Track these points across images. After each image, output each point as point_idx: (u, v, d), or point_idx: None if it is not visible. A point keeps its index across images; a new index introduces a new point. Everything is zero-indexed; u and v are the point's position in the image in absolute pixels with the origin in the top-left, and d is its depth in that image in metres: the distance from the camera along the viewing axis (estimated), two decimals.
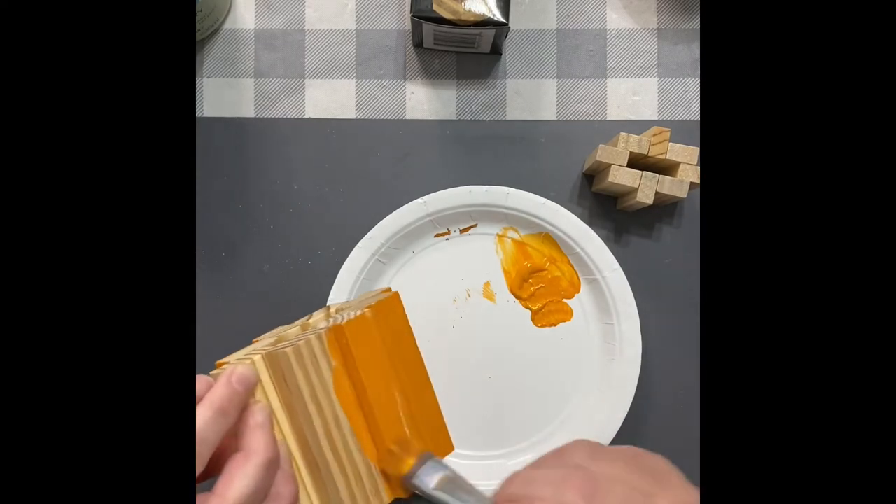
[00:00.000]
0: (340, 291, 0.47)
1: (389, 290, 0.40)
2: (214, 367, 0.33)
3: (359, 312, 0.36)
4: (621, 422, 0.46)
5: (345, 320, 0.35)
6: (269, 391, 0.31)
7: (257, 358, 0.31)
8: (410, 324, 0.39)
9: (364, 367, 0.35)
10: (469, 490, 0.33)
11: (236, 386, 0.30)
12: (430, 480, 0.34)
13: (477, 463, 0.47)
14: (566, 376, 0.48)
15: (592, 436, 0.46)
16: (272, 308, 0.49)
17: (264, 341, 0.37)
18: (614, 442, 0.46)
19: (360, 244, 0.47)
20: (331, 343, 0.34)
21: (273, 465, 0.29)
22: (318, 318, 0.39)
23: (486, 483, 0.46)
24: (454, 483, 0.34)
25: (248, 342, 0.49)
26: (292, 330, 0.37)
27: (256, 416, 0.30)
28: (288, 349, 0.32)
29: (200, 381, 0.30)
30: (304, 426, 0.32)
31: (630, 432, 0.48)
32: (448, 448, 0.38)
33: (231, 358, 0.35)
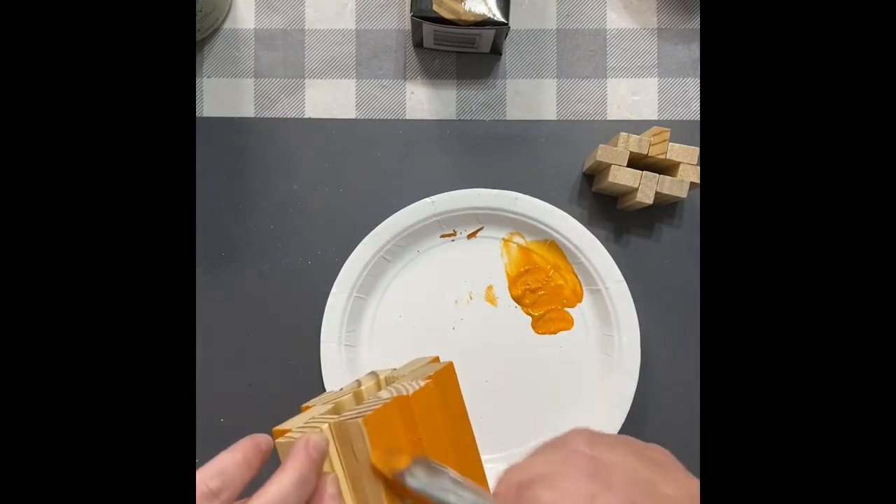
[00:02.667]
0: (343, 286, 0.47)
1: (438, 359, 0.39)
2: (273, 434, 0.34)
3: (421, 383, 0.34)
4: (616, 432, 0.46)
5: (410, 392, 0.33)
6: (334, 461, 0.31)
7: (325, 427, 0.31)
8: (461, 392, 0.38)
9: (429, 441, 0.33)
10: (467, 487, 0.33)
11: (314, 454, 0.30)
12: (422, 476, 0.32)
13: None
14: (564, 385, 0.48)
15: None
16: (272, 308, 0.49)
17: (317, 408, 0.37)
18: None
19: (365, 240, 0.47)
20: None
21: None
22: (369, 386, 0.38)
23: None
24: (449, 480, 0.33)
25: (248, 342, 0.49)
26: (346, 397, 0.37)
27: (329, 488, 0.30)
28: (359, 419, 0.31)
29: (245, 444, 0.30)
30: (370, 499, 0.31)
31: (629, 432, 0.48)
32: None
33: (289, 425, 0.34)
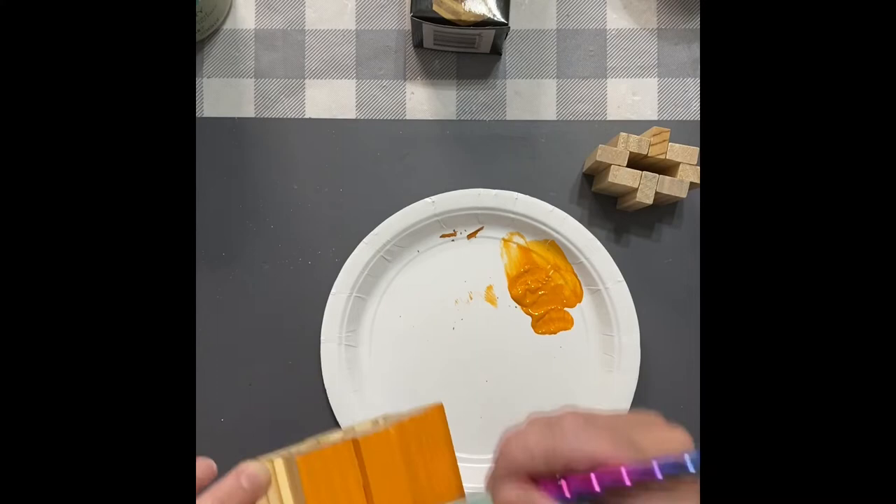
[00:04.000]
0: (343, 286, 0.47)
1: (441, 406, 0.38)
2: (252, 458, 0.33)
3: (379, 428, 0.34)
4: None
5: (364, 435, 0.34)
6: (285, 494, 0.31)
7: (278, 461, 0.31)
8: (452, 439, 0.37)
9: (377, 488, 0.33)
10: None
11: (244, 483, 0.29)
12: None
13: (468, 466, 0.47)
14: (563, 384, 0.48)
15: None
16: (272, 308, 0.49)
17: (308, 443, 0.37)
18: None
19: (365, 240, 0.47)
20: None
21: None
22: (363, 429, 0.38)
23: (478, 486, 0.46)
24: None
25: (248, 342, 0.49)
26: (334, 436, 0.37)
27: None
28: (295, 456, 0.32)
29: (200, 463, 0.30)
30: None
31: None
32: None
33: (273, 455, 0.35)
